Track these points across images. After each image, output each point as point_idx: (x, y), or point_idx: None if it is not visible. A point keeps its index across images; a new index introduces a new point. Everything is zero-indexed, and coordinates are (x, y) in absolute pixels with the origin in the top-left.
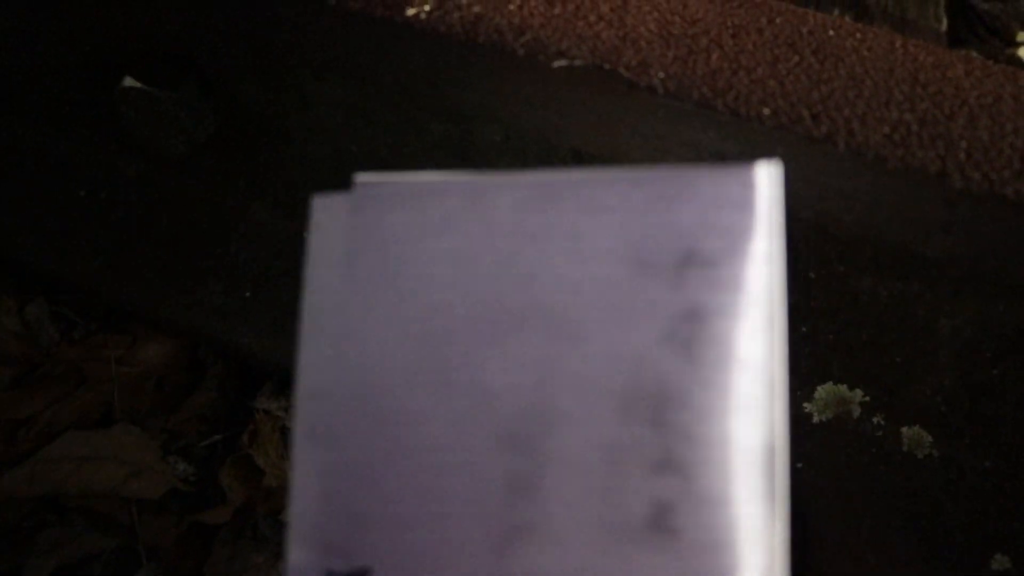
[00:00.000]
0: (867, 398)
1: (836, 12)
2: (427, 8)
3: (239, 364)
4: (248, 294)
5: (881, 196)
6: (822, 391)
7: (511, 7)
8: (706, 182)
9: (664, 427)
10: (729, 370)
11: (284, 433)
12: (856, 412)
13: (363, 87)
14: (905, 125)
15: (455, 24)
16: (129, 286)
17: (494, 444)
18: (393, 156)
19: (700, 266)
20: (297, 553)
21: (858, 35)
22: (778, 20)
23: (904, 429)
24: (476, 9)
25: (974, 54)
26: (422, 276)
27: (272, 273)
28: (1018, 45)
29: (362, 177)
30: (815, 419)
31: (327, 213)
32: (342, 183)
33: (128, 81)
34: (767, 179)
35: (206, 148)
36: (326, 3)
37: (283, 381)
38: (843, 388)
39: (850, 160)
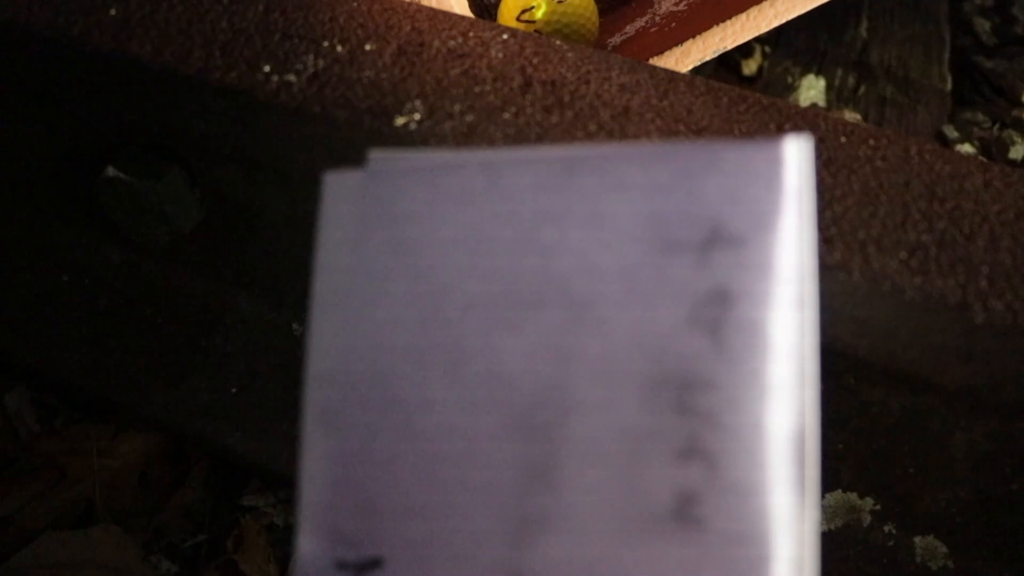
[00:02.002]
0: (878, 507)
1: (839, 73)
2: (417, 117)
3: (225, 462)
4: (234, 390)
5: (897, 326)
6: (831, 499)
7: (506, 116)
8: (733, 157)
9: (689, 413)
10: (757, 353)
11: (271, 532)
12: (867, 520)
13: None
14: (923, 248)
15: (447, 135)
16: (111, 380)
17: (509, 430)
18: None
19: (727, 245)
20: (306, 542)
21: (871, 142)
22: (787, 126)
23: (917, 539)
24: (469, 119)
25: (984, 129)
26: (437, 255)
27: (259, 368)
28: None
29: (376, 153)
30: (824, 527)
31: (339, 190)
32: (356, 161)
33: (111, 171)
34: (797, 154)
35: (192, 238)
36: (310, 111)
37: (270, 479)
38: (853, 496)
39: (865, 288)
